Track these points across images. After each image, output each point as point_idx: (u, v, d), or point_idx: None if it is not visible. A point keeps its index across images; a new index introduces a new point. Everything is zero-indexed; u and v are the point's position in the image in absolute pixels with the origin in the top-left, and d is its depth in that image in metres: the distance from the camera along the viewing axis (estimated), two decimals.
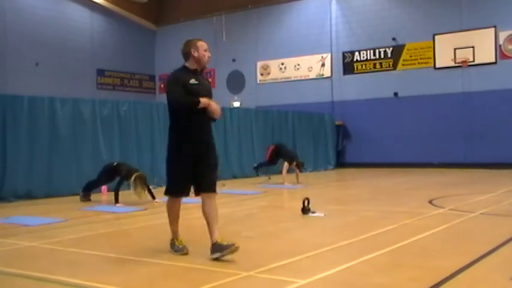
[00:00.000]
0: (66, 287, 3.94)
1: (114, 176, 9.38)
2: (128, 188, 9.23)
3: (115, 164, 9.58)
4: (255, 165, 14.36)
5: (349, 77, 20.01)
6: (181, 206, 9.21)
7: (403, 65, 18.87)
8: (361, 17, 19.73)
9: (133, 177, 8.75)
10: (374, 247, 4.99)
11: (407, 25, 18.78)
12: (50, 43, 20.56)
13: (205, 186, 4.89)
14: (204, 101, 4.83)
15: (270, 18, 21.99)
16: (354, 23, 19.93)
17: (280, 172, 12.95)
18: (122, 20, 23.68)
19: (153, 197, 9.09)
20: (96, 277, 4.14)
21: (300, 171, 13.07)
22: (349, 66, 20.01)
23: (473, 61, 17.46)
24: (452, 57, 17.79)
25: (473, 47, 17.45)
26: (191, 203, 9.24)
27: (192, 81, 4.89)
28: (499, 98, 16.90)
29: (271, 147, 13.58)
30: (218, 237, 4.68)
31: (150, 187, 9.42)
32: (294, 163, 12.77)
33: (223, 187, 11.70)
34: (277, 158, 13.40)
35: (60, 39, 20.95)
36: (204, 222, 4.80)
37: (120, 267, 4.59)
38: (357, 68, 19.83)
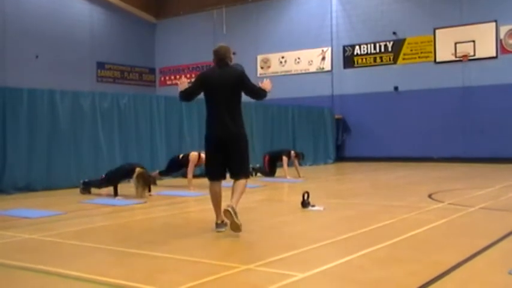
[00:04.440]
0: (66, 279, 3.95)
1: (120, 179, 9.16)
2: (128, 181, 9.21)
3: (114, 169, 9.38)
4: (256, 166, 13.44)
5: (349, 70, 19.99)
6: (180, 199, 9.26)
7: (403, 59, 18.85)
8: (362, 11, 19.67)
9: (135, 175, 8.62)
10: (373, 241, 5.00)
11: (408, 19, 18.74)
12: (50, 36, 20.51)
13: None
14: None
15: (271, 12, 21.93)
16: (354, 16, 19.88)
17: (281, 166, 12.89)
18: (122, 13, 23.62)
19: (149, 190, 9.09)
20: (96, 269, 4.16)
21: (300, 163, 12.97)
22: (349, 60, 19.98)
23: (474, 55, 17.43)
24: (453, 52, 17.77)
25: (473, 41, 17.42)
26: (189, 196, 9.27)
27: None
28: (500, 92, 16.88)
29: (267, 157, 13.16)
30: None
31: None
32: (293, 154, 12.68)
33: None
34: (275, 164, 13.20)
35: (60, 32, 20.90)
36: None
37: (120, 260, 4.60)
38: (357, 61, 19.80)
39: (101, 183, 9.32)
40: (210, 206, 6.12)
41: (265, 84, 5.97)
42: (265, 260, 4.31)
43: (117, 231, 6.14)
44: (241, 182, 5.67)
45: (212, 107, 5.77)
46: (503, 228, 5.62)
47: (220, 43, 6.17)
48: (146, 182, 8.82)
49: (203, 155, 10.41)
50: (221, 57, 5.84)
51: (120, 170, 9.11)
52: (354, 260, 4.35)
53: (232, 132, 5.70)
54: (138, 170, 8.71)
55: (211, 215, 5.89)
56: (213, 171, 5.75)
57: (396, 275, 3.91)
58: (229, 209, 5.31)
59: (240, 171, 5.72)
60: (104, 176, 9.32)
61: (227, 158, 5.67)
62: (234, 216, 5.30)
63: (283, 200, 9.51)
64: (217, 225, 5.70)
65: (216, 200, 5.71)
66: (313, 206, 7.34)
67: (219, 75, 5.77)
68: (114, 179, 8.98)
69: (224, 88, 5.69)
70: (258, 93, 5.93)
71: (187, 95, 5.97)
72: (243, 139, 5.81)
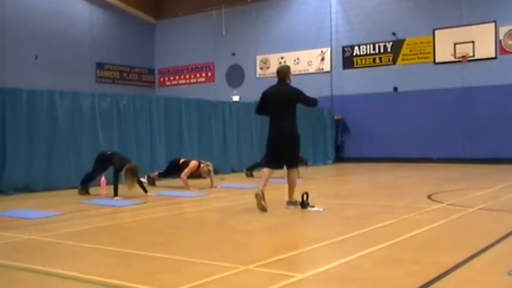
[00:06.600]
0: (66, 280, 3.94)
1: (108, 166, 9.36)
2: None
3: (109, 153, 9.53)
4: (247, 167, 13.53)
5: (348, 71, 19.99)
6: (180, 200, 9.28)
7: (402, 59, 18.85)
8: (361, 12, 19.68)
9: (124, 169, 8.73)
10: (372, 242, 5.00)
11: (407, 20, 18.75)
12: (49, 36, 20.51)
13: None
14: None
15: (270, 12, 21.94)
16: (353, 17, 19.89)
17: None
18: (121, 14, 23.62)
19: (145, 191, 9.09)
20: (95, 270, 4.16)
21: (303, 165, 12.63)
22: (348, 61, 19.99)
23: (473, 56, 17.43)
24: (452, 52, 17.77)
25: (473, 42, 17.42)
26: (189, 197, 9.27)
27: None
28: (499, 93, 16.88)
29: None
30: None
31: (142, 180, 9.49)
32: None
33: (222, 181, 11.70)
34: None
35: (59, 32, 20.90)
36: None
37: (119, 261, 4.60)
38: (356, 62, 19.81)
39: (93, 172, 9.63)
40: (209, 206, 6.18)
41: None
42: (265, 261, 4.31)
43: (116, 232, 6.13)
44: (293, 176, 7.53)
45: (272, 114, 7.49)
46: (503, 228, 5.62)
47: (281, 65, 7.58)
48: (134, 174, 8.86)
49: (202, 165, 10.46)
50: (281, 75, 7.73)
51: (112, 159, 9.27)
52: (353, 261, 4.35)
53: (286, 133, 7.39)
54: (127, 166, 8.83)
55: (211, 216, 5.92)
56: (271, 162, 7.48)
57: (395, 276, 3.91)
58: (259, 193, 6.96)
59: (291, 162, 7.53)
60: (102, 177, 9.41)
61: (282, 153, 7.39)
62: (262, 199, 6.96)
63: (283, 200, 9.49)
64: (288, 203, 7.57)
65: (267, 178, 7.37)
66: (312, 206, 7.34)
67: (277, 91, 7.61)
68: (98, 168, 9.51)
69: (281, 101, 7.47)
70: (311, 103, 7.87)
71: (257, 111, 7.86)
72: (295, 138, 7.49)
